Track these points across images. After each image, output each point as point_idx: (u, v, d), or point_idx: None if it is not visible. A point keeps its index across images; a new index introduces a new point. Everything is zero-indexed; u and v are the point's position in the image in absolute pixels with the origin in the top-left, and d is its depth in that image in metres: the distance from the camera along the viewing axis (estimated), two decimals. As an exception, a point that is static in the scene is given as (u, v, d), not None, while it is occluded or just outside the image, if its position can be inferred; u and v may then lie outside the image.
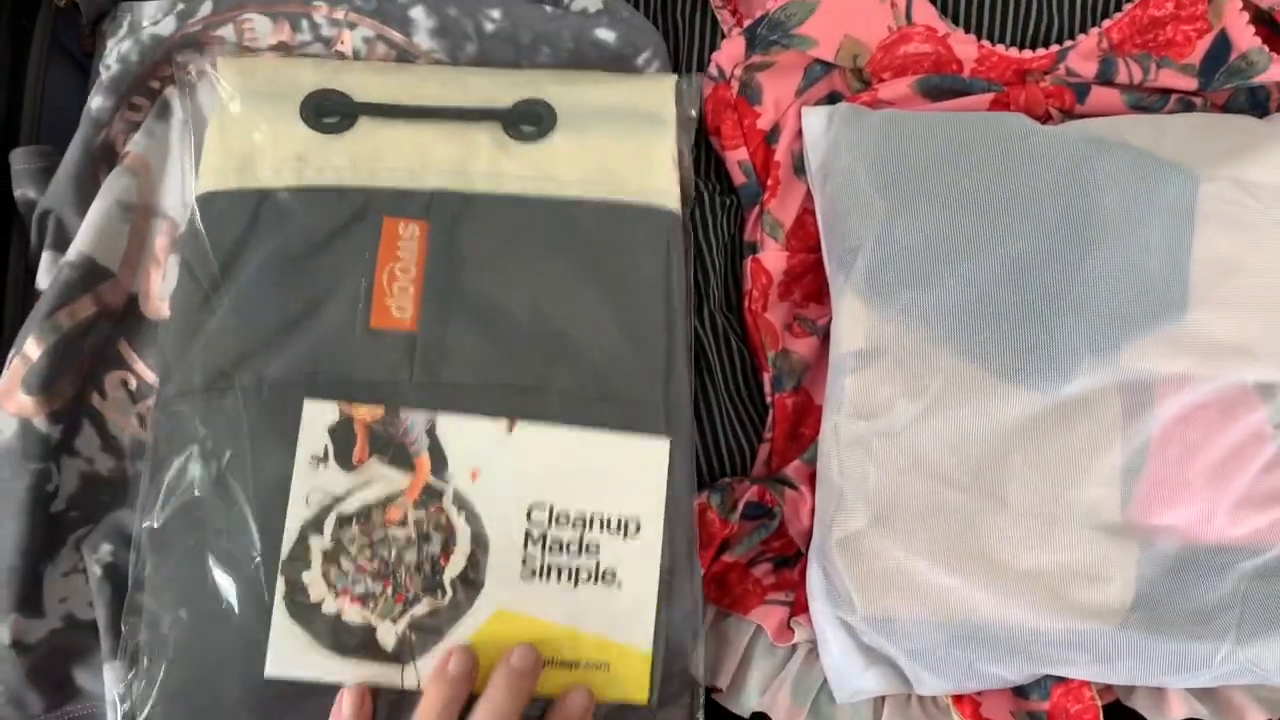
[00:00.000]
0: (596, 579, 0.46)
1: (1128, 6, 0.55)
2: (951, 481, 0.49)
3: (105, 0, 0.55)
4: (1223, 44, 0.53)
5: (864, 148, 0.52)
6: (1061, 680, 0.50)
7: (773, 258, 0.54)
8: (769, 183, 0.55)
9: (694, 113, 0.53)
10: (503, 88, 0.51)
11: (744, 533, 0.53)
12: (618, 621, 0.46)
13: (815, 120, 0.54)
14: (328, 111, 0.49)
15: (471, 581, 0.45)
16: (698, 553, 0.48)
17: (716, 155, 0.57)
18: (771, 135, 0.56)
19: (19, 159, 0.53)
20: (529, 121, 0.50)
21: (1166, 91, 0.55)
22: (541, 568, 0.45)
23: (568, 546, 0.46)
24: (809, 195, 0.55)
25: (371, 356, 0.46)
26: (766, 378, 0.54)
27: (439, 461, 0.46)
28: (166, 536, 0.45)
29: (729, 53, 0.55)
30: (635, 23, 0.54)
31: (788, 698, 0.50)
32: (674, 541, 0.47)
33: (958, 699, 0.50)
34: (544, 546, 0.46)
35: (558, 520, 0.46)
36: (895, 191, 0.51)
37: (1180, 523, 0.49)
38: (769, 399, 0.54)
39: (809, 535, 0.52)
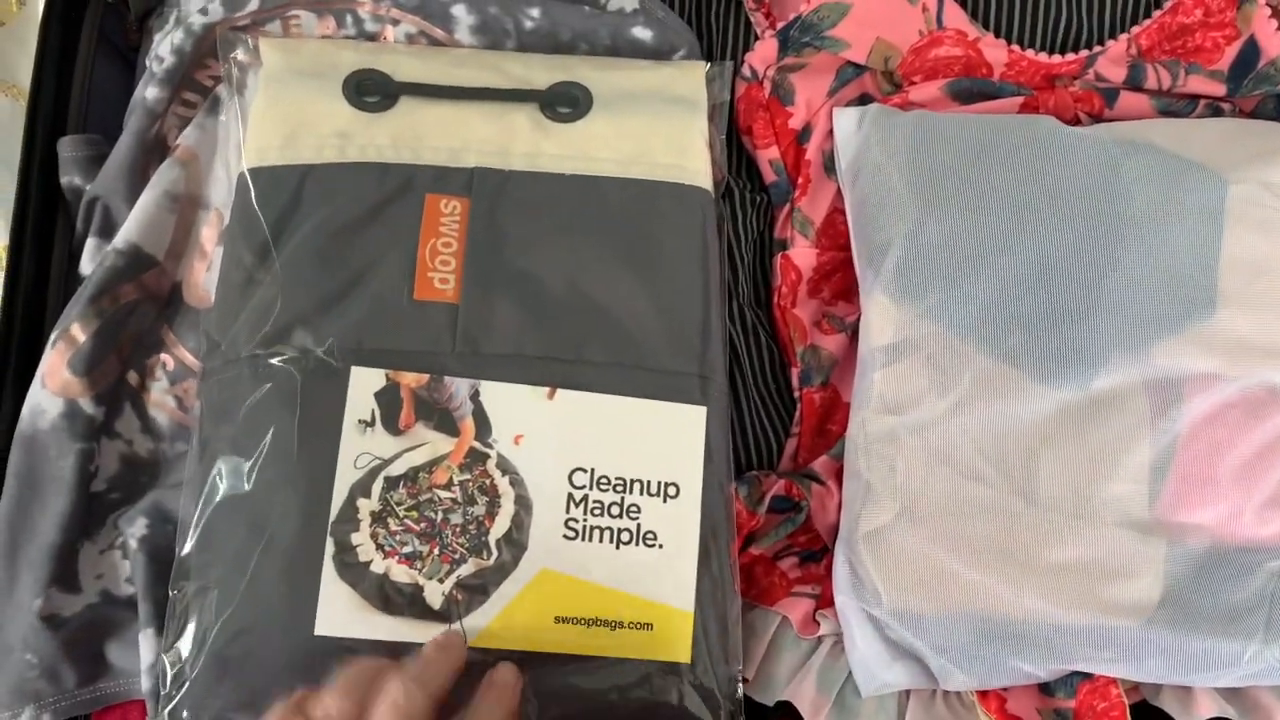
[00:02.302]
0: (638, 541, 0.46)
1: (1157, 13, 0.55)
2: (979, 477, 0.49)
3: (153, -5, 0.57)
4: (1251, 50, 0.54)
5: (895, 147, 0.52)
6: (1088, 677, 0.50)
7: (802, 255, 0.55)
8: (800, 181, 0.56)
9: (725, 97, 0.53)
10: (538, 71, 0.52)
11: (770, 526, 0.53)
12: (659, 582, 0.46)
13: (846, 121, 0.55)
14: (369, 91, 0.50)
15: (516, 542, 0.46)
16: (734, 521, 0.49)
17: (748, 154, 0.58)
18: (803, 135, 0.56)
19: (67, 147, 0.54)
20: (565, 103, 0.51)
21: (1195, 97, 0.56)
22: (584, 529, 0.46)
23: (609, 509, 0.46)
24: (839, 194, 0.55)
25: (415, 327, 0.47)
26: (794, 373, 0.55)
27: (483, 426, 0.47)
28: (216, 502, 0.46)
29: (762, 54, 0.56)
30: (670, 22, 0.55)
31: (813, 689, 0.50)
32: (713, 506, 0.47)
33: (983, 695, 0.50)
34: (586, 509, 0.46)
35: (599, 484, 0.47)
36: (926, 190, 0.51)
37: (1208, 521, 0.49)
38: (797, 394, 0.54)
39: (835, 530, 0.52)
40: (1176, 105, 0.56)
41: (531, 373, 0.47)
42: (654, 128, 0.51)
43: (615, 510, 0.46)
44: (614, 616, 0.46)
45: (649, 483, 0.47)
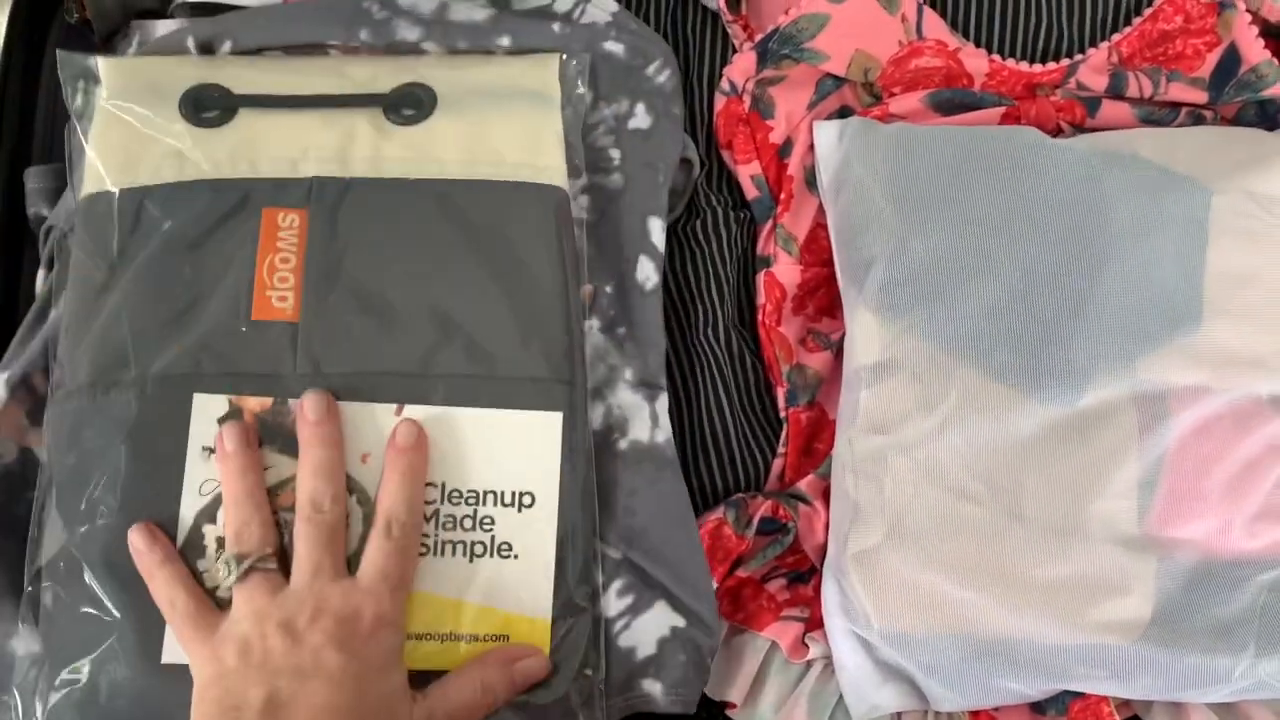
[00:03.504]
0: (492, 553, 0.46)
1: (1137, 21, 0.55)
2: (967, 495, 0.49)
3: (117, 17, 0.55)
4: (1232, 57, 0.54)
5: (876, 161, 0.52)
6: (1079, 696, 0.49)
7: (786, 271, 0.54)
8: (782, 197, 0.55)
9: (581, 91, 0.52)
10: (384, 74, 0.51)
11: (758, 548, 0.52)
12: (515, 593, 0.46)
13: (827, 134, 0.54)
14: (206, 106, 0.49)
15: None
16: (596, 523, 0.48)
17: (728, 169, 0.57)
18: (784, 149, 0.56)
19: (33, 178, 0.53)
20: (409, 105, 0.50)
21: (1177, 105, 0.55)
22: (436, 544, 0.46)
23: (461, 522, 0.46)
24: (822, 209, 0.55)
25: (254, 349, 0.46)
26: (780, 392, 0.54)
27: None
28: (61, 528, 0.45)
29: (740, 67, 0.55)
30: (643, 34, 0.54)
31: (803, 713, 0.50)
32: (571, 513, 0.47)
33: (974, 715, 0.50)
34: (437, 524, 0.46)
35: (450, 498, 0.46)
36: (908, 207, 0.51)
37: (1198, 535, 0.49)
38: (783, 414, 0.54)
39: (823, 550, 0.52)
40: (1158, 113, 0.55)
41: (376, 390, 0.46)
42: (502, 126, 0.50)
43: (468, 523, 0.46)
44: (469, 630, 0.45)
45: (503, 493, 0.46)
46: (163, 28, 0.54)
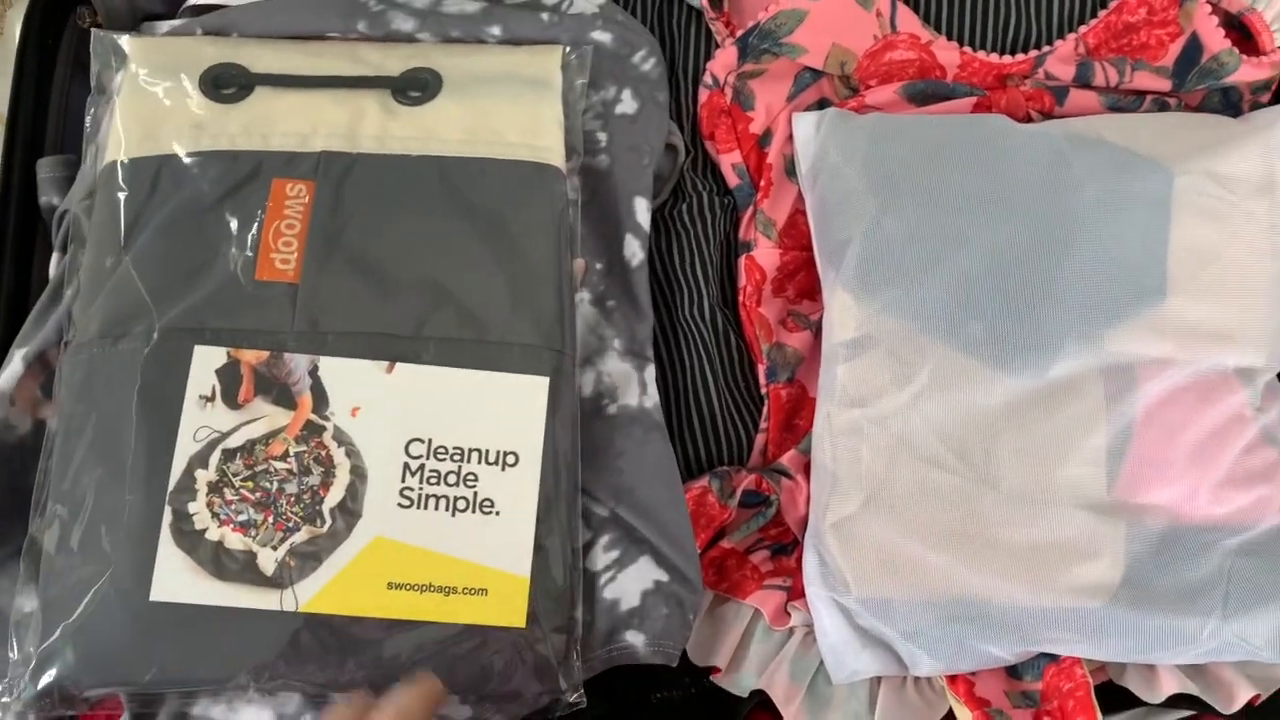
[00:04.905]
0: (475, 508, 0.48)
1: (1103, 13, 0.57)
2: (942, 464, 0.50)
3: (127, 21, 0.58)
4: (1194, 46, 0.56)
5: (852, 148, 0.54)
6: (1054, 659, 0.51)
7: (766, 255, 0.56)
8: (762, 184, 0.57)
9: (582, 82, 0.54)
10: (394, 58, 0.54)
11: (741, 520, 0.54)
12: (495, 548, 0.47)
13: (805, 125, 0.56)
14: (225, 83, 0.52)
15: (350, 511, 0.47)
16: (579, 486, 0.50)
17: (712, 159, 0.59)
18: (764, 139, 0.58)
19: (45, 168, 0.56)
20: (415, 88, 0.53)
21: (1142, 93, 0.57)
22: (420, 498, 0.47)
23: (446, 477, 0.48)
24: (800, 196, 0.57)
25: (256, 307, 0.49)
26: (761, 369, 0.56)
27: (320, 400, 0.48)
28: (61, 473, 0.47)
29: (722, 61, 0.57)
30: (630, 25, 0.56)
31: (785, 678, 0.51)
32: (555, 475, 0.49)
33: (952, 679, 0.51)
34: (422, 477, 0.48)
35: (436, 453, 0.48)
36: (883, 189, 0.53)
37: (1166, 501, 0.50)
38: (764, 390, 0.56)
39: (805, 523, 0.53)
40: (1124, 101, 0.57)
41: (370, 348, 0.49)
42: (503, 108, 0.53)
43: (452, 479, 0.48)
44: (447, 582, 0.47)
45: (487, 451, 0.48)
46: (166, 29, 0.57)
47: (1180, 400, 0.51)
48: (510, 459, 0.48)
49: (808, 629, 0.52)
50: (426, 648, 0.46)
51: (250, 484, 0.47)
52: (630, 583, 0.49)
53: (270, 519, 0.47)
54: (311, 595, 0.46)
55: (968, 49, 0.58)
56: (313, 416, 0.48)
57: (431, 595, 0.47)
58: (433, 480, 0.48)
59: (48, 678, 0.45)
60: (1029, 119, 0.57)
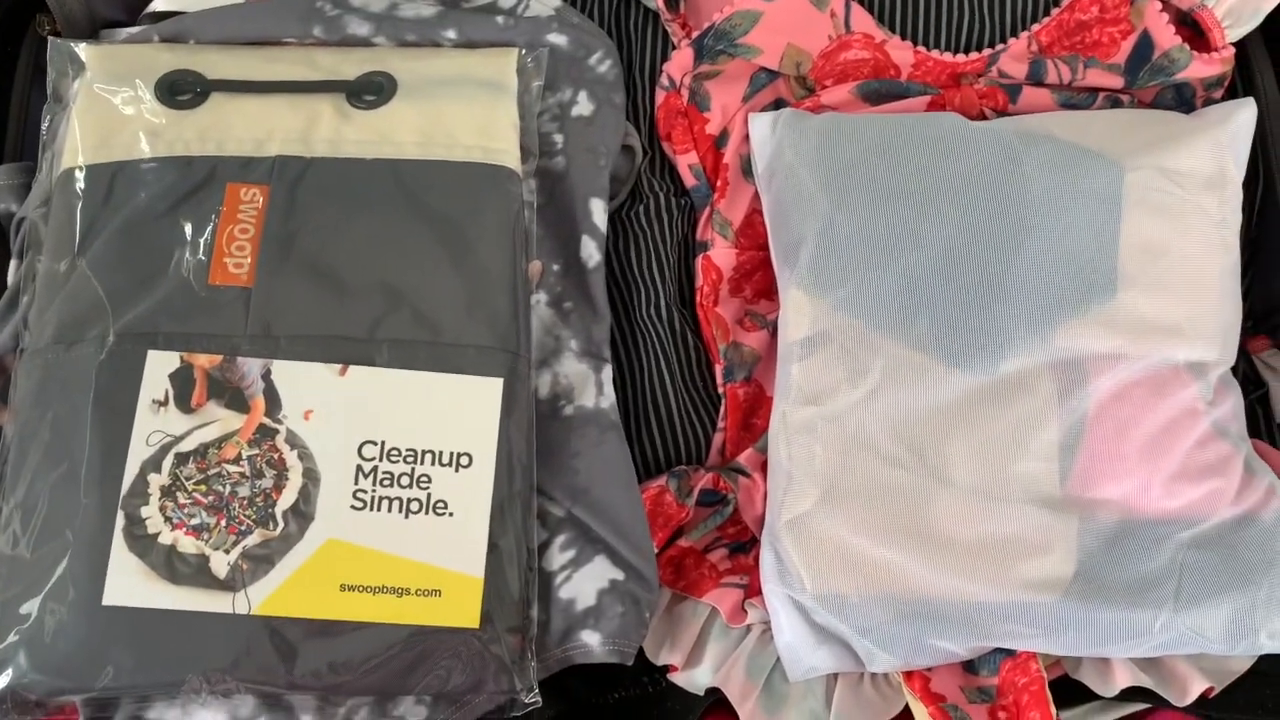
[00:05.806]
0: (428, 510, 0.48)
1: (1055, 11, 0.58)
2: (895, 461, 0.51)
3: (85, 28, 0.58)
4: (1145, 44, 0.56)
5: (806, 148, 0.54)
6: (1010, 654, 0.51)
7: (722, 255, 0.57)
8: (718, 184, 0.58)
9: (538, 85, 0.55)
10: (349, 63, 0.54)
11: (699, 518, 0.54)
12: (448, 549, 0.48)
13: (761, 125, 0.56)
14: (181, 89, 0.53)
15: (303, 513, 0.47)
16: (534, 487, 0.50)
17: (669, 159, 0.59)
18: (720, 140, 0.58)
19: (2, 175, 0.56)
20: (371, 91, 0.53)
21: (1095, 90, 0.58)
22: (373, 500, 0.48)
23: (399, 479, 0.48)
24: (757, 196, 0.57)
25: (210, 311, 0.49)
26: (719, 369, 0.56)
27: (273, 403, 0.48)
28: (16, 477, 0.48)
29: (678, 62, 0.58)
30: (586, 27, 0.57)
31: (741, 675, 0.51)
32: (509, 475, 0.49)
33: (908, 676, 0.51)
34: (375, 480, 0.48)
35: (389, 456, 0.48)
36: (835, 187, 0.53)
37: (1118, 496, 0.51)
38: (720, 389, 0.56)
39: (762, 521, 0.53)
40: (1077, 98, 0.58)
41: (324, 351, 0.49)
42: (458, 110, 0.53)
43: (405, 481, 0.48)
44: (400, 583, 0.47)
45: (441, 453, 0.48)
46: (124, 37, 0.57)
47: (1132, 395, 0.51)
48: (464, 460, 0.48)
49: (765, 626, 0.52)
50: (380, 649, 0.46)
51: (203, 487, 0.48)
52: (586, 582, 0.49)
53: (223, 522, 0.47)
54: (264, 598, 0.46)
55: (922, 48, 0.58)
56: (266, 420, 0.48)
57: (385, 597, 0.47)
58: (386, 482, 0.48)
59: (1, 683, 0.45)
60: (983, 117, 0.58)
